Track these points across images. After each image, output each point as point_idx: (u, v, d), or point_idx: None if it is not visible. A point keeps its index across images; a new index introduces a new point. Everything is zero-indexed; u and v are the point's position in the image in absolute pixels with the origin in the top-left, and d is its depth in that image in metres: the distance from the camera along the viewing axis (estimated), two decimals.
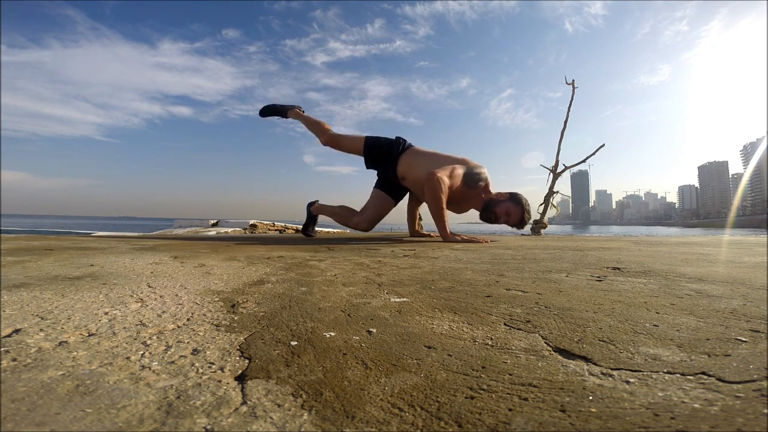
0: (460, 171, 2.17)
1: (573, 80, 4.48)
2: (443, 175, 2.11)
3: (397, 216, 2.74)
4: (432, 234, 2.61)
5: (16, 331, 0.47)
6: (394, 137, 2.42)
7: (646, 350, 0.42)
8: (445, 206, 2.11)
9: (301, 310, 0.58)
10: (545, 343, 0.45)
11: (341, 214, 2.45)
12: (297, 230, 4.41)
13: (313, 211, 2.54)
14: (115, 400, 0.30)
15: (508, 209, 2.20)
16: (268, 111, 2.64)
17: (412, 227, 2.70)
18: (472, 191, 2.24)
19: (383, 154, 2.36)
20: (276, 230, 4.43)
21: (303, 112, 2.59)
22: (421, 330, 0.50)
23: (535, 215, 4.20)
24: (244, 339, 0.45)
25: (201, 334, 0.47)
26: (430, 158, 2.28)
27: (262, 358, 0.39)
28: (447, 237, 2.11)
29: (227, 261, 1.16)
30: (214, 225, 4.60)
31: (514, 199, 2.22)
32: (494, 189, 2.29)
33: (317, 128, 2.50)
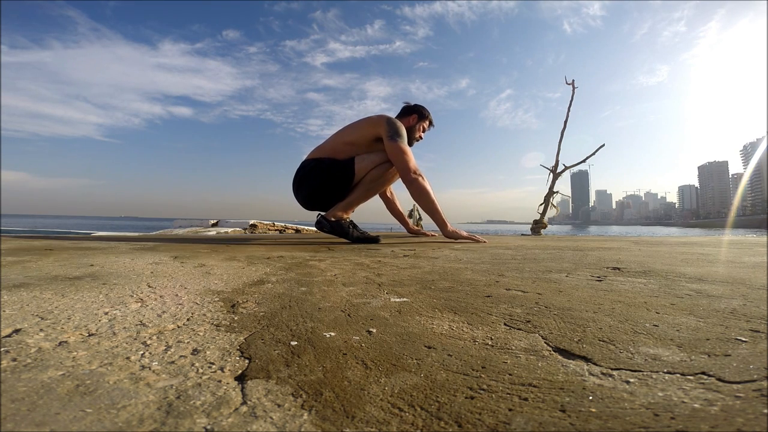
0: (406, 146, 2.05)
1: (573, 80, 4.47)
2: (414, 165, 2.00)
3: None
4: (432, 234, 2.61)
5: (16, 331, 0.47)
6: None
7: (646, 350, 0.42)
8: (436, 200, 2.04)
9: (301, 310, 0.58)
10: (545, 343, 0.45)
11: (375, 181, 2.03)
12: (297, 230, 4.41)
13: (341, 216, 2.03)
14: (115, 400, 0.30)
15: (423, 127, 2.32)
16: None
17: (406, 224, 2.69)
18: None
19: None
20: (276, 230, 4.44)
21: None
22: (421, 330, 0.50)
23: (535, 215, 4.20)
24: (244, 339, 0.45)
25: (201, 334, 0.47)
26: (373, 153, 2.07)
27: (262, 358, 0.39)
28: (449, 232, 2.07)
29: (227, 261, 1.16)
30: (214, 225, 4.61)
31: (422, 116, 2.28)
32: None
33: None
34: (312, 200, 2.11)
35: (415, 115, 2.26)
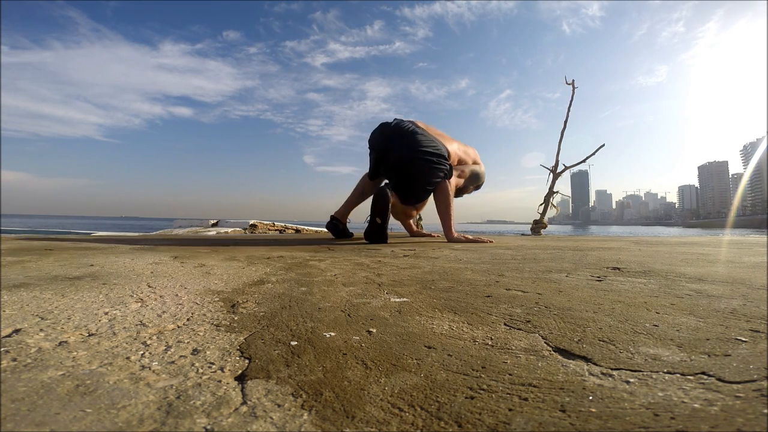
0: (468, 171, 2.37)
1: (573, 80, 4.47)
2: (452, 182, 2.25)
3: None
4: (433, 234, 2.61)
5: (16, 331, 0.47)
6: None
7: (646, 350, 0.42)
8: (453, 208, 2.19)
9: (301, 310, 0.58)
10: (545, 343, 0.45)
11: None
12: (297, 230, 4.40)
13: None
14: (115, 400, 0.30)
15: (475, 188, 2.60)
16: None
17: (410, 227, 2.70)
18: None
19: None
20: (276, 230, 4.43)
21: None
22: (421, 330, 0.50)
23: (535, 215, 4.20)
24: (244, 339, 0.45)
25: (201, 334, 0.47)
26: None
27: (262, 358, 0.39)
28: (453, 238, 2.12)
29: (227, 261, 1.16)
30: (214, 225, 4.60)
31: (480, 186, 2.61)
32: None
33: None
34: (413, 183, 2.15)
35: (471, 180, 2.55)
